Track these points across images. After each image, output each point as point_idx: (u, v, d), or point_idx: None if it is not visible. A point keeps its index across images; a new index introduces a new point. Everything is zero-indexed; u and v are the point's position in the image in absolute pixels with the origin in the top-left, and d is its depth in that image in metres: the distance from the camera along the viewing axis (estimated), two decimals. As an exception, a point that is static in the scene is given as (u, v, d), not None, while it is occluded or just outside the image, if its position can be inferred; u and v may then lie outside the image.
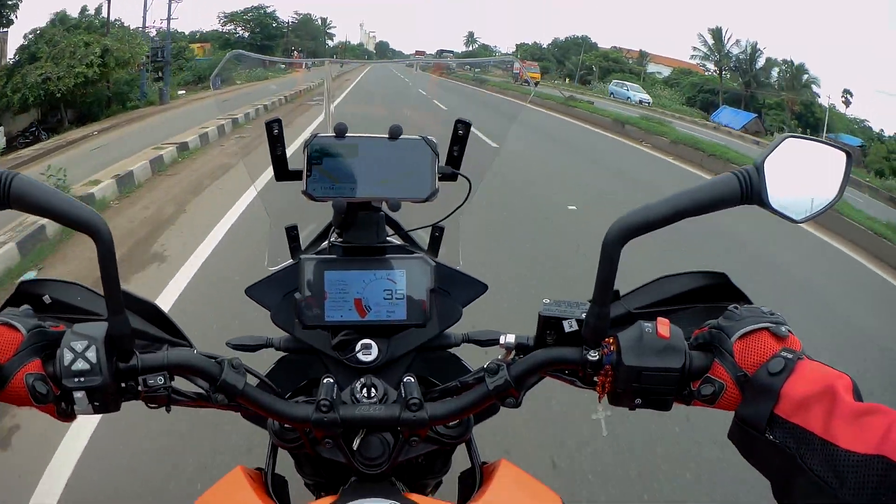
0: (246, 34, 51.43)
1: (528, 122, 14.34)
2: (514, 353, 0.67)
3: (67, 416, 0.60)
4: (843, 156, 0.58)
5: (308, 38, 65.01)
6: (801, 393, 0.52)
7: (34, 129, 17.32)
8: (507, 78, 25.11)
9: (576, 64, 58.72)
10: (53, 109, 17.75)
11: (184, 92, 23.53)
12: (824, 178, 0.58)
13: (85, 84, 15.98)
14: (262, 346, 0.80)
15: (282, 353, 0.82)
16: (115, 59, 16.06)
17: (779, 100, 39.40)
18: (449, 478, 0.86)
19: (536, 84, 35.10)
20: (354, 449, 0.67)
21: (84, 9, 19.32)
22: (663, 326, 0.59)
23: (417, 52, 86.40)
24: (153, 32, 23.10)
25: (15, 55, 17.19)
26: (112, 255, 0.56)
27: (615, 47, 61.82)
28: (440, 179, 0.74)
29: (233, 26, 51.56)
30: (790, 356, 0.55)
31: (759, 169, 0.56)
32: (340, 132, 0.71)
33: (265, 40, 51.50)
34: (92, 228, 0.55)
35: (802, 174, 0.57)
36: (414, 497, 0.64)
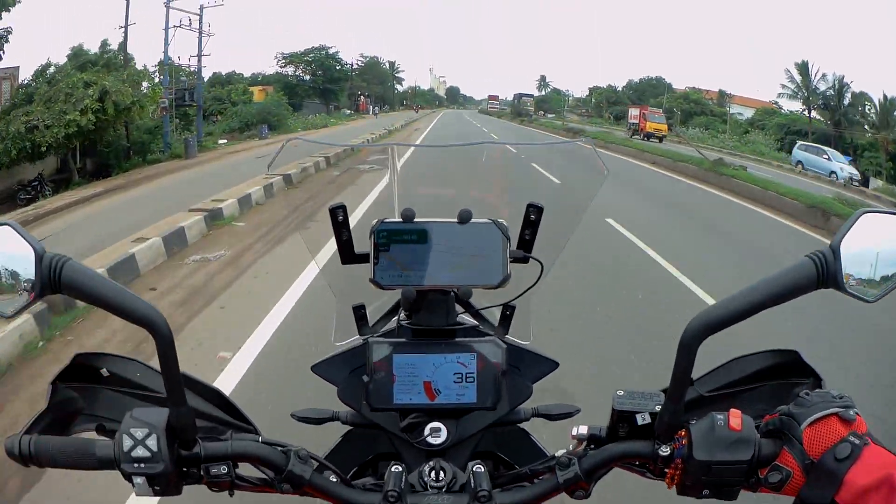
0: (307, 76, 49.34)
1: (670, 199, 10.48)
2: (584, 443, 0.67)
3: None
4: None
5: (375, 83, 63.31)
6: (863, 482, 0.53)
7: (37, 182, 14.39)
8: (606, 126, 20.57)
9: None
10: (75, 156, 14.77)
11: (225, 141, 20.38)
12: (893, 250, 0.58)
13: (79, 134, 12.56)
14: (328, 420, 0.77)
15: (347, 427, 0.80)
16: (115, 105, 12.59)
17: (872, 140, 33.47)
18: None
19: (662, 139, 30.41)
20: None
21: (104, 43, 16.26)
22: (735, 419, 0.59)
23: (491, 98, 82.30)
24: (204, 72, 20.18)
25: (11, 96, 14.16)
26: (172, 348, 0.56)
27: (693, 88, 55.96)
28: (512, 262, 0.73)
29: (293, 68, 49.65)
30: (857, 441, 0.55)
31: (836, 251, 0.55)
32: (408, 217, 0.70)
33: (328, 83, 49.48)
34: (149, 323, 0.55)
35: (877, 250, 0.57)
36: None
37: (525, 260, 0.75)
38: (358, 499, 0.64)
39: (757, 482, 0.59)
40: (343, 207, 0.72)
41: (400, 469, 0.65)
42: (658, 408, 0.61)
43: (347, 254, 0.74)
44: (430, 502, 0.63)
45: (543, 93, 79.95)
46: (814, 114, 38.51)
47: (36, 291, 0.53)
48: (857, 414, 0.57)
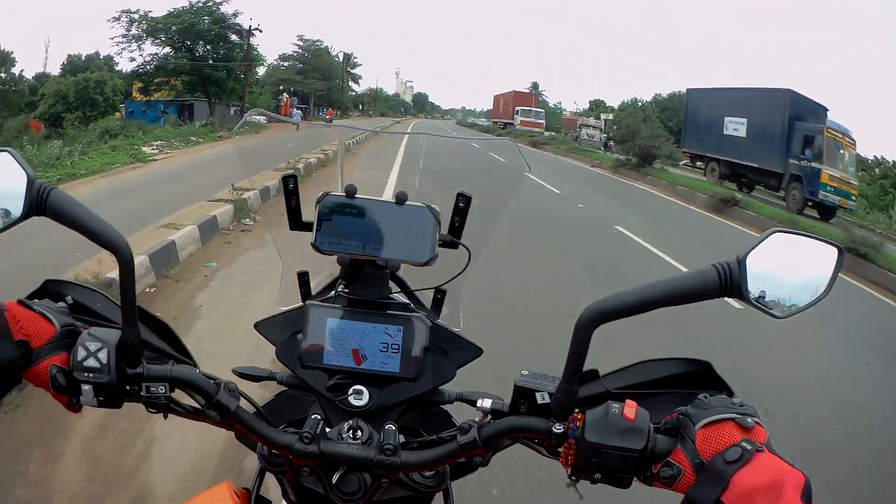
0: (170, 52, 27.24)
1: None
2: (489, 416, 0.69)
3: (75, 408, 0.65)
4: (834, 251, 0.59)
5: (317, 77, 40.72)
6: (751, 484, 0.52)
7: None
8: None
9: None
10: None
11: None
12: (812, 274, 0.59)
13: None
14: (265, 378, 0.81)
15: (282, 388, 0.83)
16: None
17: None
18: None
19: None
20: (334, 483, 0.69)
21: None
22: (630, 409, 0.60)
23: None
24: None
25: None
26: (131, 273, 0.61)
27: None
28: (441, 246, 0.78)
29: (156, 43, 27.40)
30: (749, 447, 0.55)
31: (742, 263, 0.56)
32: (350, 193, 0.75)
33: (211, 65, 27.35)
34: (116, 247, 0.59)
35: (789, 269, 0.58)
36: None
37: (454, 245, 0.80)
38: (275, 436, 0.67)
39: (651, 476, 0.60)
40: (294, 177, 0.78)
41: (319, 417, 0.70)
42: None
43: (295, 221, 0.79)
44: (340, 449, 0.67)
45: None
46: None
47: (22, 213, 0.59)
48: (757, 423, 0.58)
